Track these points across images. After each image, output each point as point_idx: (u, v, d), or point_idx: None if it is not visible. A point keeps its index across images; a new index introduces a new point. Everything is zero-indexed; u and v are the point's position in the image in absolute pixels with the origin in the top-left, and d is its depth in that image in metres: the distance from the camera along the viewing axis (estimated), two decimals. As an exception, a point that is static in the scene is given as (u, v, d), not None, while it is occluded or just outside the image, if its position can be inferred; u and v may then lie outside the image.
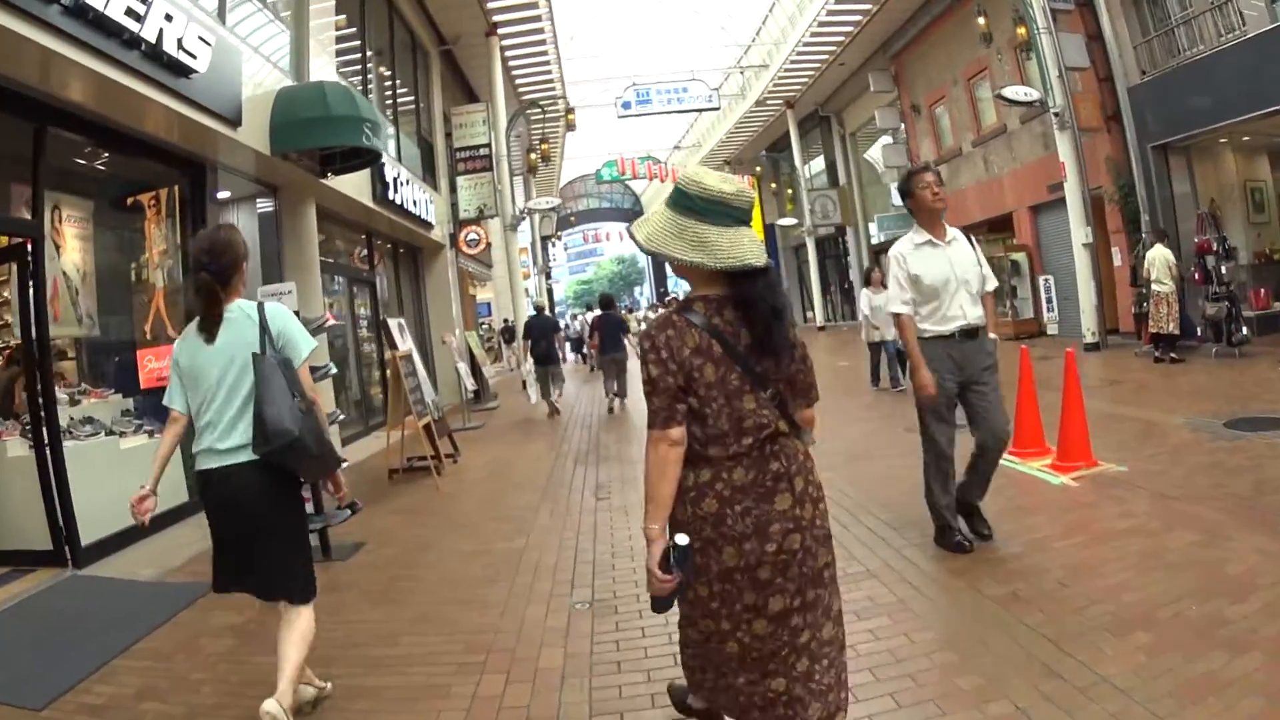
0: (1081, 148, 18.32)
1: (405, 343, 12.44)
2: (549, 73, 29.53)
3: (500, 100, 24.73)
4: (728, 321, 3.01)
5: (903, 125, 30.95)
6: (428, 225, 19.87)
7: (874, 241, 36.65)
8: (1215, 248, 15.31)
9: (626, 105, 35.52)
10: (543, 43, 27.01)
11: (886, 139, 32.54)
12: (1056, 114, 18.11)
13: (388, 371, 13.48)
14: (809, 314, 44.83)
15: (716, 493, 2.99)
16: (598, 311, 18.99)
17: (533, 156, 28.08)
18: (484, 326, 36.29)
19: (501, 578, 6.78)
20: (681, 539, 2.91)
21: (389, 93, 19.83)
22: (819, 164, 41.64)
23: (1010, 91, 18.65)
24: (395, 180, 16.78)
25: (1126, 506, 6.83)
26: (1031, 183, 22.76)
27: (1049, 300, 21.58)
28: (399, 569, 7.41)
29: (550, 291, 72.96)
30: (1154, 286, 15.17)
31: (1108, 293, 19.04)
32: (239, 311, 4.25)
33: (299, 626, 4.25)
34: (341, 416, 12.00)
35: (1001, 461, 6.56)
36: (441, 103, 23.99)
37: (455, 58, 25.00)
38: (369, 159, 12.98)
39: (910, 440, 8.28)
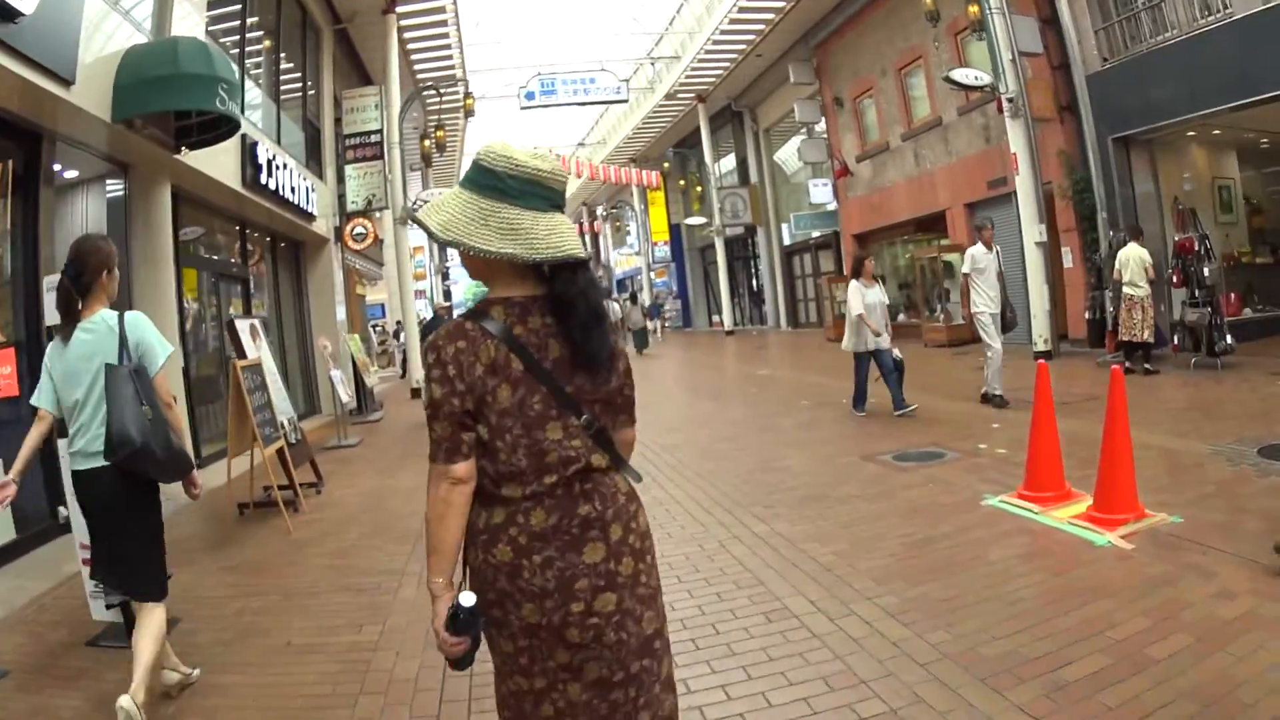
0: (1035, 138, 16.67)
1: (257, 349, 10.05)
2: (449, 56, 27.39)
3: (395, 83, 22.41)
4: (532, 330, 2.47)
5: (823, 119, 29.30)
6: (309, 216, 17.67)
7: (786, 243, 35.30)
8: (1197, 248, 13.72)
9: (530, 96, 33.62)
10: (444, 23, 24.98)
11: (803, 136, 31.01)
12: (1010, 100, 16.44)
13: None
14: (715, 317, 43.08)
15: (511, 539, 2.41)
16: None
17: (427, 143, 25.64)
18: (378, 329, 34.03)
19: (337, 702, 4.56)
20: (466, 599, 2.41)
21: (273, 69, 17.67)
22: (730, 162, 40.18)
23: (959, 74, 16.93)
24: (271, 163, 14.64)
25: (1219, 583, 4.92)
26: (968, 178, 21.19)
27: (996, 304, 19.46)
28: (207, 674, 4.95)
29: (448, 293, 71.60)
30: (1127, 290, 13.50)
31: (1057, 296, 17.33)
32: (101, 322, 4.43)
33: (152, 624, 4.32)
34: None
35: (1017, 511, 6.75)
36: (332, 85, 21.87)
37: (350, 37, 22.88)
38: (229, 130, 10.86)
39: (880, 475, 8.33)
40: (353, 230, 21.07)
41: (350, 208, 21.29)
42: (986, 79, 16.68)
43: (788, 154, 36.04)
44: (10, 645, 5.67)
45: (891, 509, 7.23)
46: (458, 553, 2.47)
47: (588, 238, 67.55)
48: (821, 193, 29.31)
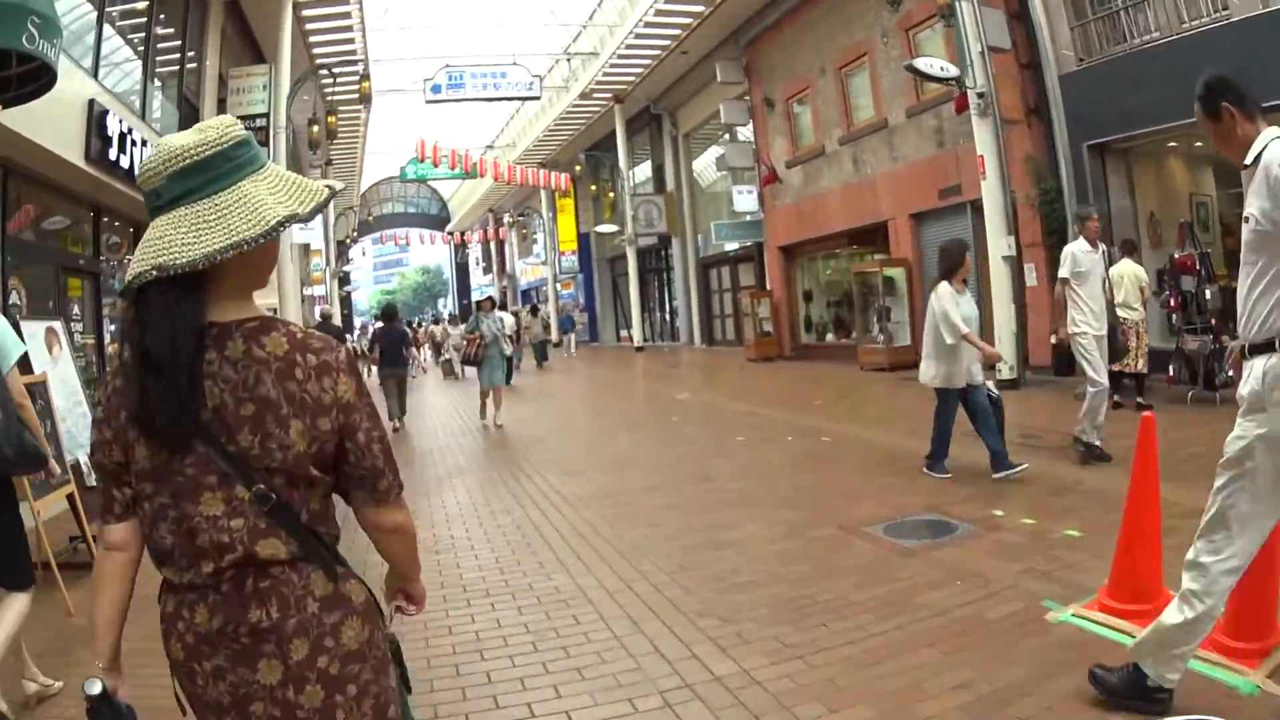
0: (1004, 141, 14.84)
1: (58, 360, 7.54)
2: (350, 41, 24.86)
3: (285, 63, 19.98)
4: None
5: (750, 122, 27.31)
6: None
7: (702, 254, 33.38)
8: (1198, 267, 11.94)
9: (437, 89, 31.26)
10: (346, 0, 22.69)
11: (727, 141, 29.06)
12: (981, 95, 14.59)
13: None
14: (624, 332, 40.89)
15: (179, 635, 1.96)
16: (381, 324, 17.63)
17: (315, 129, 23.04)
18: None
19: None
20: (90, 686, 1.98)
21: (146, 33, 15.10)
22: (645, 170, 38.27)
23: (923, 63, 15.05)
24: (126, 138, 12.13)
25: None
26: (915, 186, 19.26)
27: (953, 324, 17.35)
28: None
29: (348, 299, 68.92)
30: (1120, 312, 11.58)
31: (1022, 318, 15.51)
32: None
33: (13, 609, 4.33)
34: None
35: (1107, 633, 4.49)
36: (219, 62, 19.26)
37: (243, 11, 20.31)
38: (46, 84, 8.48)
39: (878, 562, 6.17)
40: None
41: None
42: (953, 70, 14.82)
43: (706, 163, 34.23)
44: None
45: (918, 630, 4.76)
46: (114, 633, 2.04)
47: (493, 245, 65.33)
48: (746, 200, 27.15)
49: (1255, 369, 3.40)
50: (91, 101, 11.17)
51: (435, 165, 35.75)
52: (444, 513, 8.76)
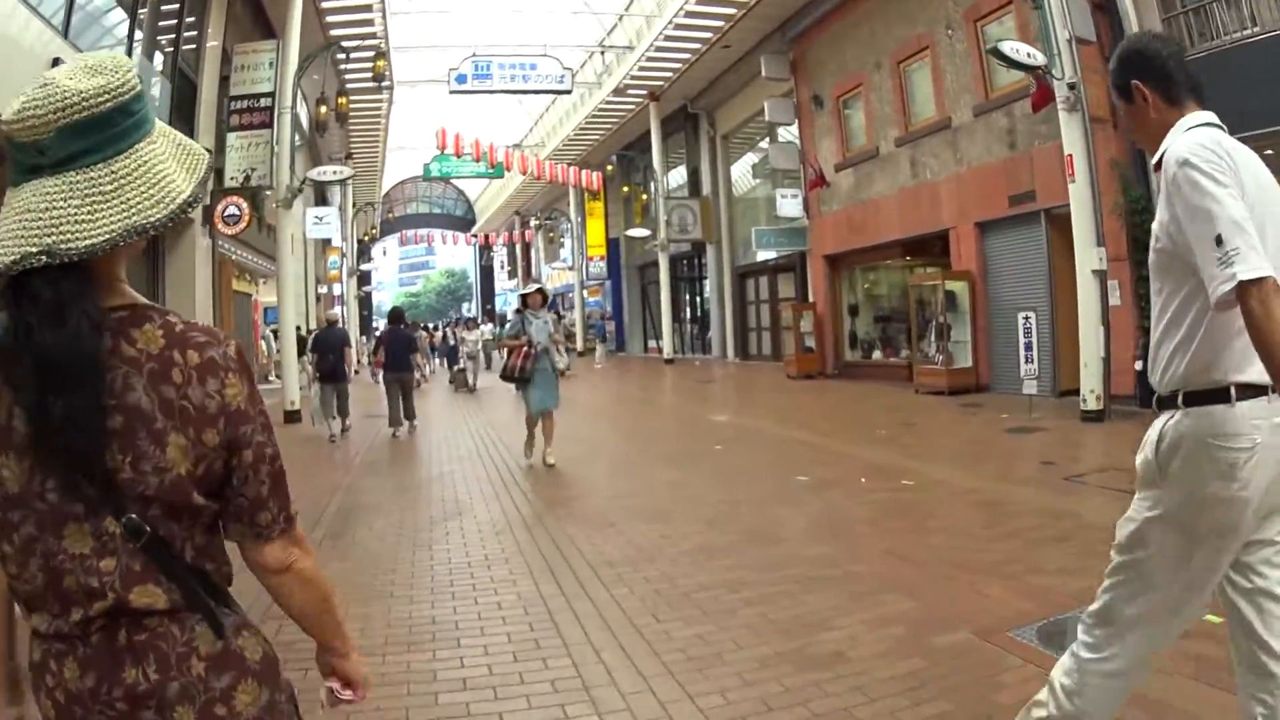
0: (1094, 141, 13.30)
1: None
2: (370, 21, 23.43)
3: (295, 38, 18.57)
4: None
5: (796, 121, 25.70)
6: None
7: (738, 263, 31.89)
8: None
9: (462, 79, 30.00)
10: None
11: (772, 142, 27.55)
12: (1071, 87, 13.06)
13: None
14: (653, 343, 39.29)
15: (49, 691, 1.65)
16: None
17: (324, 110, 21.75)
18: (274, 335, 29.61)
19: None
20: None
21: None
22: (679, 174, 37.04)
23: (1009, 47, 13.42)
24: None
25: None
26: (982, 192, 17.67)
27: (1028, 347, 15.07)
28: None
29: (368, 300, 68.35)
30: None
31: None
32: None
33: None
34: None
35: None
36: (224, 35, 18.33)
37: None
38: None
39: None
40: (224, 211, 17.19)
41: (228, 182, 17.56)
42: (1040, 58, 13.29)
43: (745, 168, 32.96)
44: None
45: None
46: (3, 666, 1.81)
47: (518, 248, 64.31)
48: (789, 205, 25.53)
49: (1151, 431, 2.79)
50: (55, 61, 9.72)
51: (457, 156, 34.09)
52: (429, 577, 6.79)
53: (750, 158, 32.70)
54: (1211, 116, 2.73)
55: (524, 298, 12.04)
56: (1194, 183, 2.48)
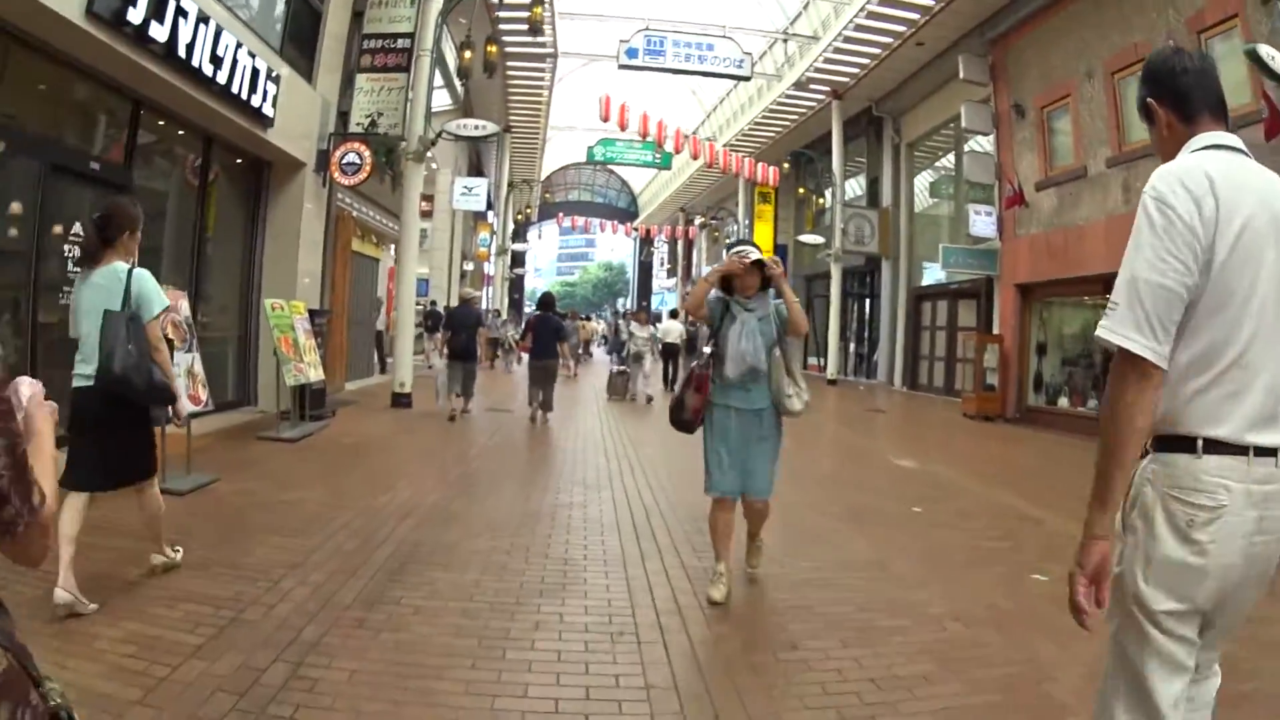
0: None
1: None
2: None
3: (442, -25, 17.49)
4: None
5: (993, 132, 23.50)
6: (258, 117, 12.84)
7: (915, 284, 29.76)
8: None
9: (632, 53, 28.92)
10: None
11: (968, 151, 25.42)
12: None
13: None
14: (811, 359, 37.22)
15: None
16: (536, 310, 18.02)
17: (468, 55, 20.56)
18: (417, 309, 28.36)
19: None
20: None
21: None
22: (856, 182, 35.03)
23: (1265, 52, 11.39)
24: (166, 5, 9.66)
25: None
26: (1211, 225, 15.36)
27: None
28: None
29: (519, 282, 68.30)
30: None
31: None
32: (113, 273, 5.53)
33: (150, 504, 5.84)
34: None
35: None
36: None
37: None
38: None
39: None
40: (342, 157, 15.91)
41: (353, 127, 16.56)
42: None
43: (926, 182, 30.95)
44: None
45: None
46: None
47: (680, 246, 63.14)
48: (984, 224, 23.31)
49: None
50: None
51: (622, 129, 32.40)
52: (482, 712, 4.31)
53: (933, 171, 30.70)
54: (1223, 137, 2.62)
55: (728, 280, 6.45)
56: (1144, 214, 2.49)
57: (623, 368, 23.28)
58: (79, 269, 5.89)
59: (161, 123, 11.92)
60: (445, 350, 16.71)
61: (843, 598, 6.38)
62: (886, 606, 6.21)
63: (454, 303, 27.05)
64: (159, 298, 5.66)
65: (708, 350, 6.38)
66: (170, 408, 6.11)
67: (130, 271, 5.52)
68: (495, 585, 6.29)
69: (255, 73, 12.16)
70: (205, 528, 7.26)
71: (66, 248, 9.57)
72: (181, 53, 10.10)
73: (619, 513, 8.92)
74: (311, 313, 14.24)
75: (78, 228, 9.52)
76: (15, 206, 9.01)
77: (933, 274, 28.43)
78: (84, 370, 5.43)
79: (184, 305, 9.20)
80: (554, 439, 14.55)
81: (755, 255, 6.20)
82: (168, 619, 5.21)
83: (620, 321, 31.23)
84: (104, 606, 5.20)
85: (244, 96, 11.94)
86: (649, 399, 21.25)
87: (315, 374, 13.44)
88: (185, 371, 8.84)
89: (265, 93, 12.55)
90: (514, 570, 6.69)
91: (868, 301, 35.17)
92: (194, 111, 11.75)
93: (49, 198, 9.31)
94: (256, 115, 12.59)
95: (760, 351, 6.15)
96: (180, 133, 12.48)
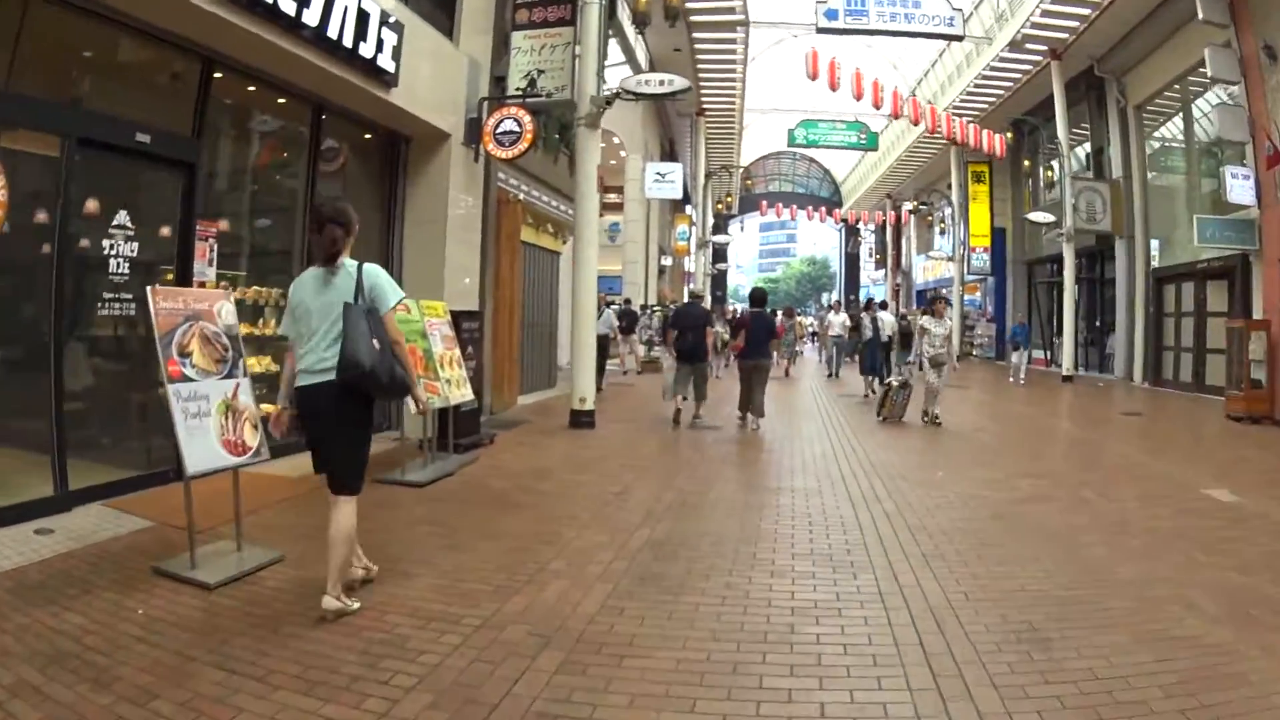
0: None
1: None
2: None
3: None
4: None
5: (1241, 82, 20.44)
6: (371, 70, 11.04)
7: (1156, 264, 26.80)
8: None
9: (832, 15, 27.92)
10: None
11: (1216, 100, 22.35)
12: None
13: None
14: (1038, 353, 34.04)
15: None
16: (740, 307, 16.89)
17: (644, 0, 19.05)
18: (611, 307, 26.47)
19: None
20: None
21: None
22: (1080, 150, 32.09)
23: None
24: None
25: None
26: None
27: None
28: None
29: (722, 278, 67.33)
30: None
31: None
32: (343, 269, 5.78)
33: (343, 521, 5.62)
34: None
35: None
36: None
37: None
38: None
39: None
40: (497, 125, 13.79)
41: (511, 90, 14.55)
42: None
43: (1159, 147, 27.91)
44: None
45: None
46: None
47: (888, 235, 61.00)
48: (1241, 190, 20.09)
49: None
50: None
51: (833, 88, 30.37)
52: None
53: (1164, 132, 27.56)
54: None
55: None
56: None
57: (903, 378, 17.71)
58: (316, 268, 5.89)
59: (251, 88, 10.66)
60: (674, 351, 16.25)
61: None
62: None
63: (651, 301, 26.25)
64: (394, 290, 5.87)
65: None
66: (410, 399, 6.22)
67: (360, 266, 5.79)
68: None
69: (364, 15, 10.48)
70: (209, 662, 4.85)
71: (108, 243, 8.45)
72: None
73: (893, 621, 5.68)
74: (456, 315, 12.01)
75: (123, 216, 8.56)
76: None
77: (1169, 253, 25.64)
78: (312, 366, 5.61)
79: (227, 311, 7.13)
80: (783, 471, 11.49)
81: None
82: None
83: (864, 314, 25.47)
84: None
85: (348, 44, 10.31)
86: (937, 419, 16.26)
87: (459, 393, 11.24)
88: (221, 407, 6.72)
89: (381, 41, 10.93)
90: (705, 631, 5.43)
91: (1099, 286, 32.11)
92: (286, 69, 10.29)
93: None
94: (372, 70, 11.00)
95: None
96: (280, 100, 11.18)
